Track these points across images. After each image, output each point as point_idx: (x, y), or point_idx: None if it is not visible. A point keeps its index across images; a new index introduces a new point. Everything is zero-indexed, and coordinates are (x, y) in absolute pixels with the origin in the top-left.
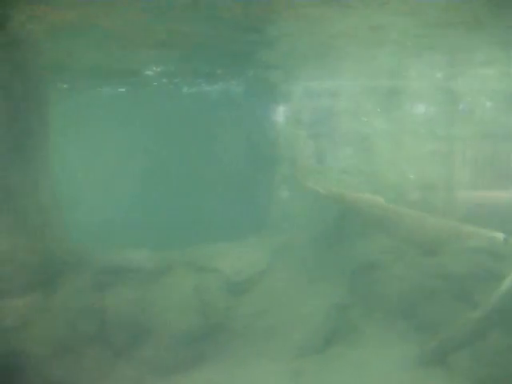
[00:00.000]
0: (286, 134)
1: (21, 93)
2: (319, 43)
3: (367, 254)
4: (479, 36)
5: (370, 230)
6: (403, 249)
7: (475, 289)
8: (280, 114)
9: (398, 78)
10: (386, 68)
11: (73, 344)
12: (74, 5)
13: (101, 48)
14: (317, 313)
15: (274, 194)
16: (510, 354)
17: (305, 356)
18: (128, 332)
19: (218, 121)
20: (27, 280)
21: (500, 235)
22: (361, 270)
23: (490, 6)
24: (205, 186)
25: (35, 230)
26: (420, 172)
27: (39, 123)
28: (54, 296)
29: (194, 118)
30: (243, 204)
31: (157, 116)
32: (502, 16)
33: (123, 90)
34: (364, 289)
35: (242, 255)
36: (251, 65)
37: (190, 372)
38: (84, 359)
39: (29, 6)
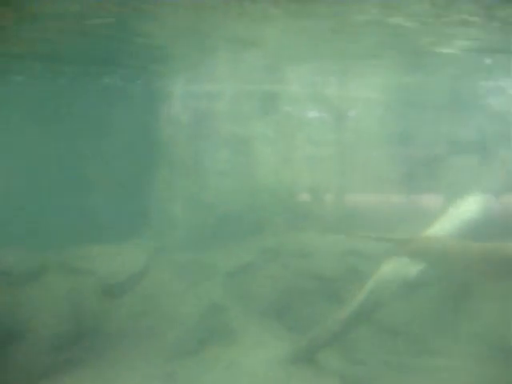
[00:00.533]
0: (166, 135)
1: None
2: (197, 47)
3: (242, 255)
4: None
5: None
6: (278, 250)
7: (345, 289)
8: (160, 115)
9: (277, 82)
10: (264, 72)
11: None
12: None
13: None
14: (192, 314)
15: (155, 196)
16: (376, 352)
17: (179, 358)
18: None
19: (98, 119)
20: None
21: None
22: (236, 272)
23: None
24: (85, 186)
25: None
26: (297, 176)
27: None
28: None
29: (73, 115)
30: (124, 205)
31: (34, 112)
32: None
33: None
34: (239, 290)
35: (120, 257)
36: (128, 65)
37: (60, 376)
38: None
39: None
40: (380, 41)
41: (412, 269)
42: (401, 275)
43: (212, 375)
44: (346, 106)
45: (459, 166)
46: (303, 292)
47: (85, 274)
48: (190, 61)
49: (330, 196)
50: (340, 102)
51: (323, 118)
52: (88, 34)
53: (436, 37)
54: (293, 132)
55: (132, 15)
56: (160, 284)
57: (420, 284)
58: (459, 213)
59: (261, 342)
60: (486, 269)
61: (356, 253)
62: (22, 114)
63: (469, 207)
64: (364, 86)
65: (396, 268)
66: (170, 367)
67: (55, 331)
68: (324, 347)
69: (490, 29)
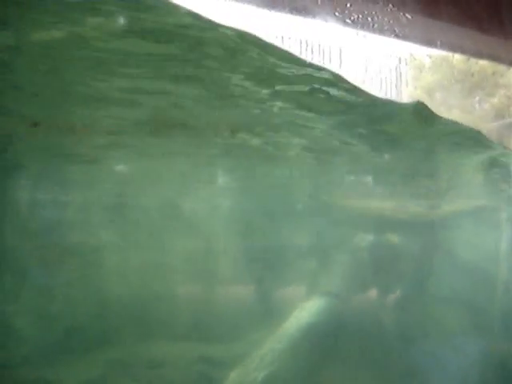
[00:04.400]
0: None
1: None
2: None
3: (89, 369)
4: None
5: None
6: (127, 362)
7: None
8: None
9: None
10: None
11: None
12: None
13: None
14: None
15: None
16: None
17: None
18: None
19: None
20: None
21: None
22: None
23: None
24: None
25: None
26: (146, 283)
27: None
28: None
29: None
30: None
31: None
32: None
33: None
34: None
35: None
36: None
37: None
38: None
39: None
40: None
41: (259, 374)
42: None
43: None
44: None
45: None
46: None
47: None
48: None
49: (181, 301)
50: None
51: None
52: None
53: None
54: (142, 239)
55: None
56: None
57: None
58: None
59: None
60: None
61: (208, 360)
62: None
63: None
64: None
65: (241, 374)
66: None
67: None
68: None
69: None
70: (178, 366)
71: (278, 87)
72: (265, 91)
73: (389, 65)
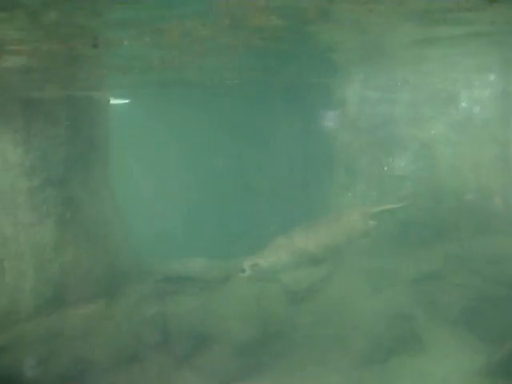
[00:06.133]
0: (343, 140)
1: (84, 105)
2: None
3: (427, 262)
4: None
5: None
6: (464, 256)
7: None
8: (336, 120)
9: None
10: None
11: (136, 352)
12: None
13: None
14: (378, 322)
15: (330, 202)
16: None
17: (366, 366)
18: (189, 340)
19: (272, 125)
20: (91, 289)
21: None
22: (422, 279)
23: None
24: (261, 194)
25: (98, 241)
26: (482, 178)
27: (100, 135)
28: (116, 304)
29: (251, 122)
30: (298, 211)
31: (215, 122)
32: None
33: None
34: (426, 297)
35: None
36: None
37: (251, 379)
38: (147, 367)
39: None
40: None
41: None
42: None
43: None
44: None
45: None
46: (495, 300)
47: (270, 280)
48: (367, 64)
49: None
50: None
51: (507, 116)
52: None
53: None
54: (476, 132)
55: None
56: (343, 290)
57: None
58: None
59: (451, 352)
60: None
61: None
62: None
63: None
64: None
65: None
66: (357, 375)
67: (244, 336)
68: None
69: None
70: None
71: None
72: None
73: None
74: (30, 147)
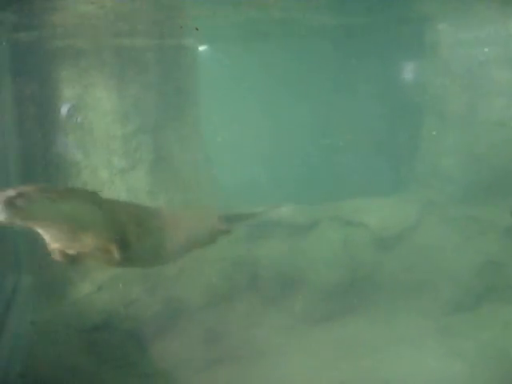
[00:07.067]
0: (434, 85)
1: (172, 53)
2: None
3: None
4: None
5: None
6: None
7: None
8: (428, 64)
9: None
10: None
11: (226, 292)
12: None
13: None
14: (468, 270)
15: (422, 149)
16: None
17: (455, 313)
18: (278, 282)
19: (357, 73)
20: None
21: None
22: None
23: None
24: (347, 140)
25: (189, 188)
26: None
27: (190, 82)
28: (209, 247)
29: (334, 70)
30: (387, 158)
31: (298, 70)
32: None
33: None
34: None
35: (390, 210)
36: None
37: (339, 321)
38: (237, 307)
39: None
40: None
41: None
42: None
43: (490, 333)
44: None
45: None
46: None
47: (357, 226)
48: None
49: None
50: None
51: None
52: None
53: None
54: None
55: None
56: (433, 238)
57: None
58: None
59: None
60: None
61: None
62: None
63: None
64: None
65: None
66: (446, 322)
67: (330, 279)
68: None
69: None
70: None
71: None
72: None
73: None
74: (123, 94)
